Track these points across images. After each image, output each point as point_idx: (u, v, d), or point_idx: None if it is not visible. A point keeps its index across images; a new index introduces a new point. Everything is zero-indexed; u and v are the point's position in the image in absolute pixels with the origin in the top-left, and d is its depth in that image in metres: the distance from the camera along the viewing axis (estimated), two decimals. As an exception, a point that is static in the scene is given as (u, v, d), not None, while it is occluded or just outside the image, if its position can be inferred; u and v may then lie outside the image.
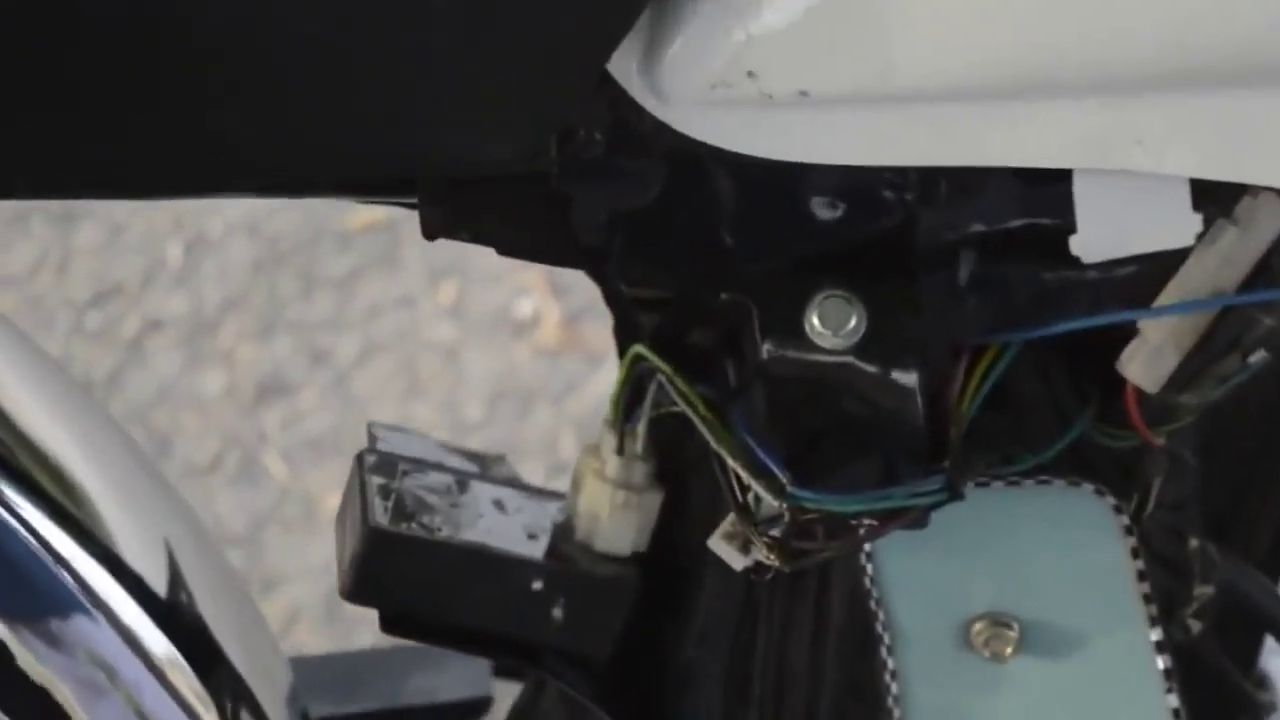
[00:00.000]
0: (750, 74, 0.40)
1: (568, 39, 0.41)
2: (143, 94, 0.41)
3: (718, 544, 0.48)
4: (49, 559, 0.46)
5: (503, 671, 0.66)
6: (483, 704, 0.70)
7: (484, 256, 1.56)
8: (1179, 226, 0.45)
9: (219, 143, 0.42)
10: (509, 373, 1.36)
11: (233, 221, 1.45)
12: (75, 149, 0.42)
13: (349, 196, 0.55)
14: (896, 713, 0.50)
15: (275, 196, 0.50)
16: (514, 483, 0.57)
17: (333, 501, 0.58)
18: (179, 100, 0.41)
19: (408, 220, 1.51)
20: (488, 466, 0.58)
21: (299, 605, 1.25)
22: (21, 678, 0.46)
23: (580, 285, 0.53)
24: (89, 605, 0.47)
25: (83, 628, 0.47)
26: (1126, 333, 0.47)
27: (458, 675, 0.69)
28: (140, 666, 0.49)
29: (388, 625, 0.53)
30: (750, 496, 0.47)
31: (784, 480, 0.44)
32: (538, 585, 0.51)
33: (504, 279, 1.40)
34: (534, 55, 0.41)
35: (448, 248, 1.50)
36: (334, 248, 1.43)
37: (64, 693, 0.46)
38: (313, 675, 0.69)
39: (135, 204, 1.41)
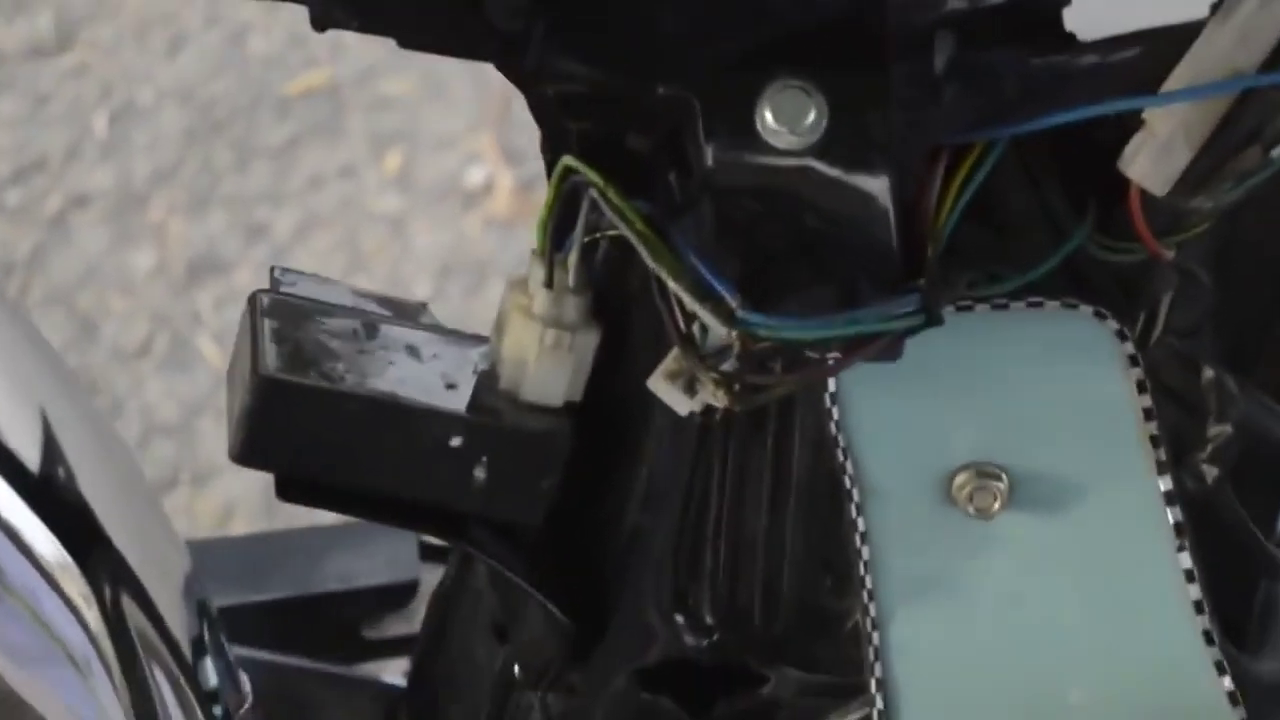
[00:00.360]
0: None
1: None
2: None
3: (659, 384, 0.44)
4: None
5: (430, 554, 0.61)
6: (407, 589, 0.65)
7: (433, 121, 1.52)
8: None
9: None
10: (459, 245, 1.33)
11: (164, 88, 1.41)
12: None
13: None
14: (869, 580, 0.46)
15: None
16: (432, 328, 0.51)
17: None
18: None
19: (351, 85, 1.52)
20: (405, 313, 0.52)
21: (234, 499, 1.22)
22: None
23: (536, 151, 0.48)
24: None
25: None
26: (1129, 126, 0.43)
27: (380, 557, 0.64)
28: (8, 547, 0.43)
29: (284, 490, 0.48)
30: (696, 326, 0.42)
31: (733, 303, 0.40)
32: (456, 441, 0.47)
33: (454, 145, 1.37)
34: None
35: (394, 114, 1.52)
36: (271, 115, 1.39)
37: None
38: (217, 560, 0.64)
39: (59, 71, 1.37)
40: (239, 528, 1.17)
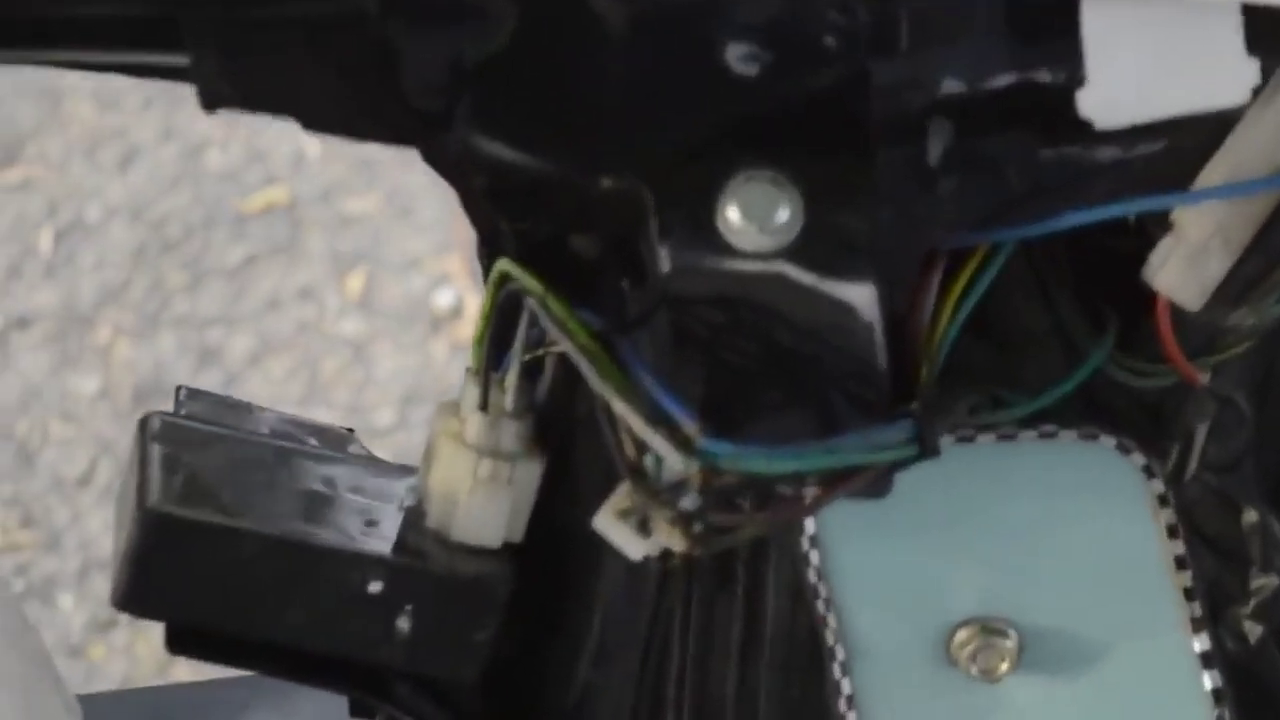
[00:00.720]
0: None
1: None
2: None
3: (607, 524, 0.38)
4: None
5: (363, 710, 0.56)
6: None
7: (398, 241, 1.50)
8: (1227, 78, 0.37)
9: None
10: (425, 371, 1.31)
11: (113, 205, 1.41)
12: None
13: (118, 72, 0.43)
14: None
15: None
16: (356, 458, 0.46)
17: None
18: None
19: (311, 202, 1.50)
20: (329, 442, 0.48)
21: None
22: None
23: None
24: None
25: None
26: (1155, 230, 0.39)
27: (307, 714, 0.58)
28: None
29: (176, 642, 0.43)
30: (649, 457, 0.37)
31: (693, 429, 0.35)
32: (376, 587, 0.42)
33: (421, 266, 1.38)
34: None
35: (357, 233, 1.51)
36: (227, 233, 1.40)
37: None
38: (123, 715, 0.58)
39: (2, 186, 1.38)
40: (181, 673, 1.11)
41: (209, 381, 1.29)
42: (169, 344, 1.34)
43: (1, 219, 1.41)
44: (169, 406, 0.50)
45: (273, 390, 1.30)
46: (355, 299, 1.36)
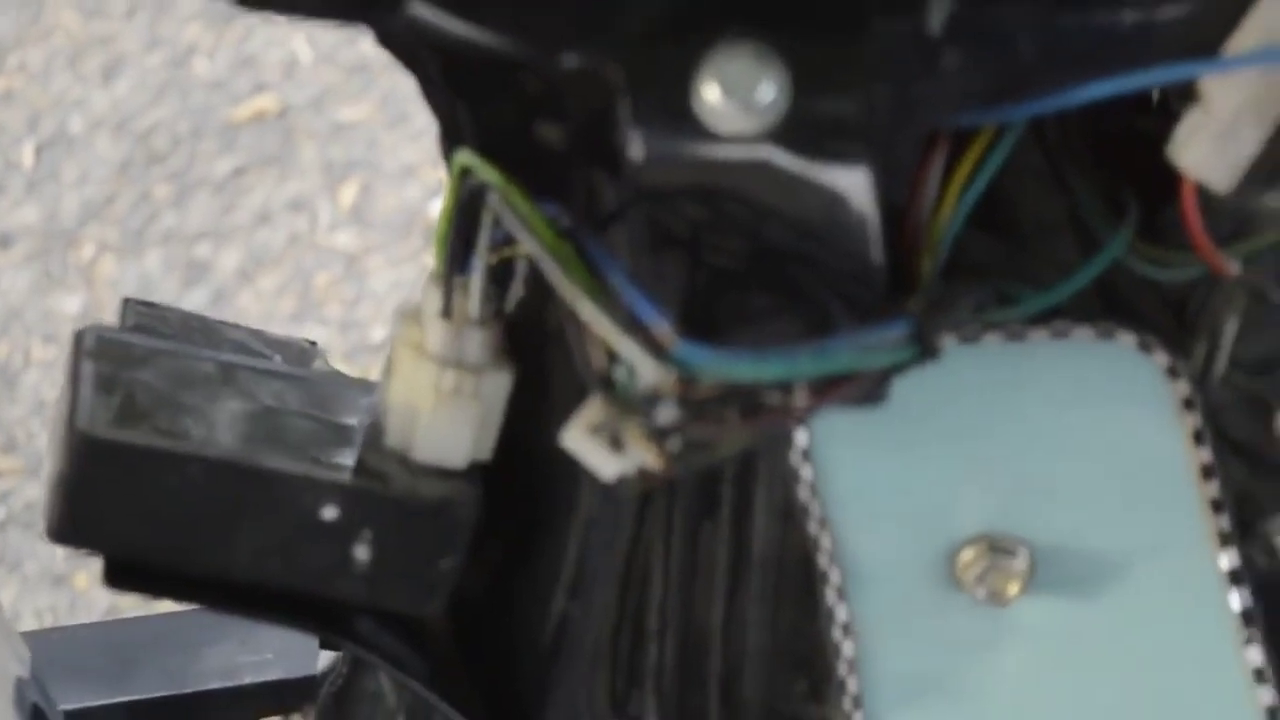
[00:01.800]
0: None
1: None
2: None
3: (577, 440, 0.36)
4: None
5: (325, 641, 0.55)
6: (305, 685, 0.58)
7: (392, 151, 1.48)
8: None
9: None
10: (420, 284, 1.26)
11: (97, 116, 1.40)
12: None
13: None
14: (852, 683, 0.39)
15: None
16: (313, 375, 0.44)
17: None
18: None
19: (303, 111, 1.50)
20: (288, 355, 0.45)
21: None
22: None
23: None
24: None
25: None
26: (1180, 105, 0.36)
27: (271, 648, 0.57)
28: None
29: (114, 575, 0.40)
30: (621, 368, 0.35)
31: (669, 334, 0.34)
32: (330, 513, 0.39)
33: (416, 175, 1.36)
34: None
35: (350, 143, 1.50)
36: (215, 144, 1.38)
37: None
38: (74, 652, 0.56)
39: None
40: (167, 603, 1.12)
41: (197, 299, 1.29)
42: (155, 260, 1.34)
43: (-18, 132, 1.43)
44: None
45: (263, 306, 1.30)
46: (348, 210, 1.35)
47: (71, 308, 1.32)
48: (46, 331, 1.31)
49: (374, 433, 0.40)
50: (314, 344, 0.47)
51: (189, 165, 1.36)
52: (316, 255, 1.33)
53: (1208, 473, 0.40)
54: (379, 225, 1.33)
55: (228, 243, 1.34)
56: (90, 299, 1.33)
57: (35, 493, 1.27)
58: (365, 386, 0.44)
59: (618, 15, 0.34)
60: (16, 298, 1.32)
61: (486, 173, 0.36)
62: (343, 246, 1.34)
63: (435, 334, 0.38)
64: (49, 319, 1.31)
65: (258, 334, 0.47)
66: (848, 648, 0.39)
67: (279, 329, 1.23)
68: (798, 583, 0.41)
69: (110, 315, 1.29)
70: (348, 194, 1.36)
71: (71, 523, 0.38)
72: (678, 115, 0.33)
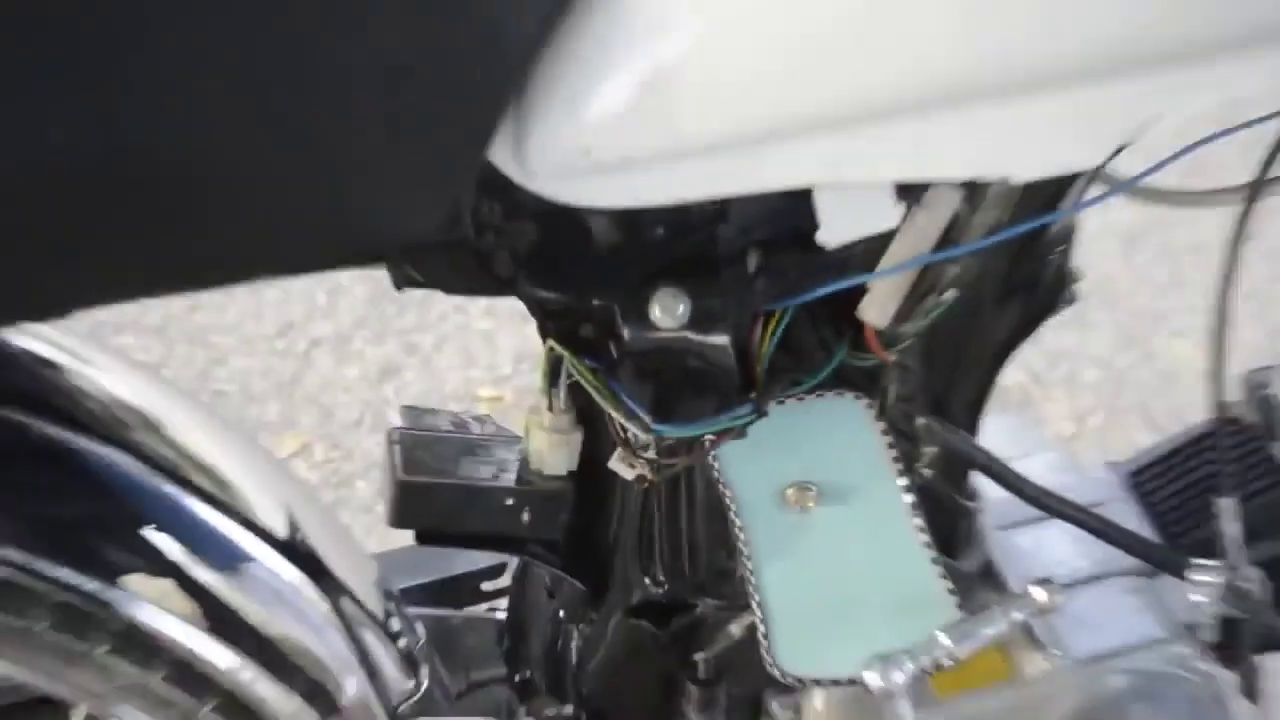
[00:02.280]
0: (586, 153, 0.52)
1: (450, 155, 0.52)
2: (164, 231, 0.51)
3: (615, 464, 0.71)
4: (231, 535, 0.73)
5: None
6: (498, 569, 0.97)
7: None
8: (887, 214, 0.60)
9: (223, 253, 0.53)
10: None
11: None
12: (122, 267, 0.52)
13: (336, 269, 0.66)
14: (746, 554, 0.73)
15: (275, 279, 0.60)
16: (495, 436, 0.80)
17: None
18: (188, 230, 0.51)
19: None
20: (484, 427, 0.82)
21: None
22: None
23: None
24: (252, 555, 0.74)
25: (258, 569, 0.74)
26: (863, 288, 0.65)
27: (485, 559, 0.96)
28: (285, 583, 0.75)
29: (422, 540, 0.77)
30: (631, 434, 0.67)
31: (648, 420, 0.65)
32: (510, 501, 0.75)
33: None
34: (430, 164, 0.51)
35: None
36: None
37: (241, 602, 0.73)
38: (395, 562, 0.93)
39: None
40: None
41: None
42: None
43: None
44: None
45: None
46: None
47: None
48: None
49: (524, 463, 0.75)
50: (488, 416, 0.84)
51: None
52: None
53: (891, 445, 0.70)
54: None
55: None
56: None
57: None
58: (513, 439, 0.79)
59: (615, 283, 0.62)
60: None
61: (563, 351, 0.67)
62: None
63: (546, 418, 0.72)
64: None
65: (462, 417, 0.82)
66: (743, 537, 0.71)
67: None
68: (720, 512, 0.72)
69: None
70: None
71: (399, 520, 0.75)
72: (642, 321, 0.62)
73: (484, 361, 1.77)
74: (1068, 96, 0.55)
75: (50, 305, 0.54)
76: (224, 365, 1.73)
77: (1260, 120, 0.65)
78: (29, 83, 0.44)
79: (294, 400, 1.68)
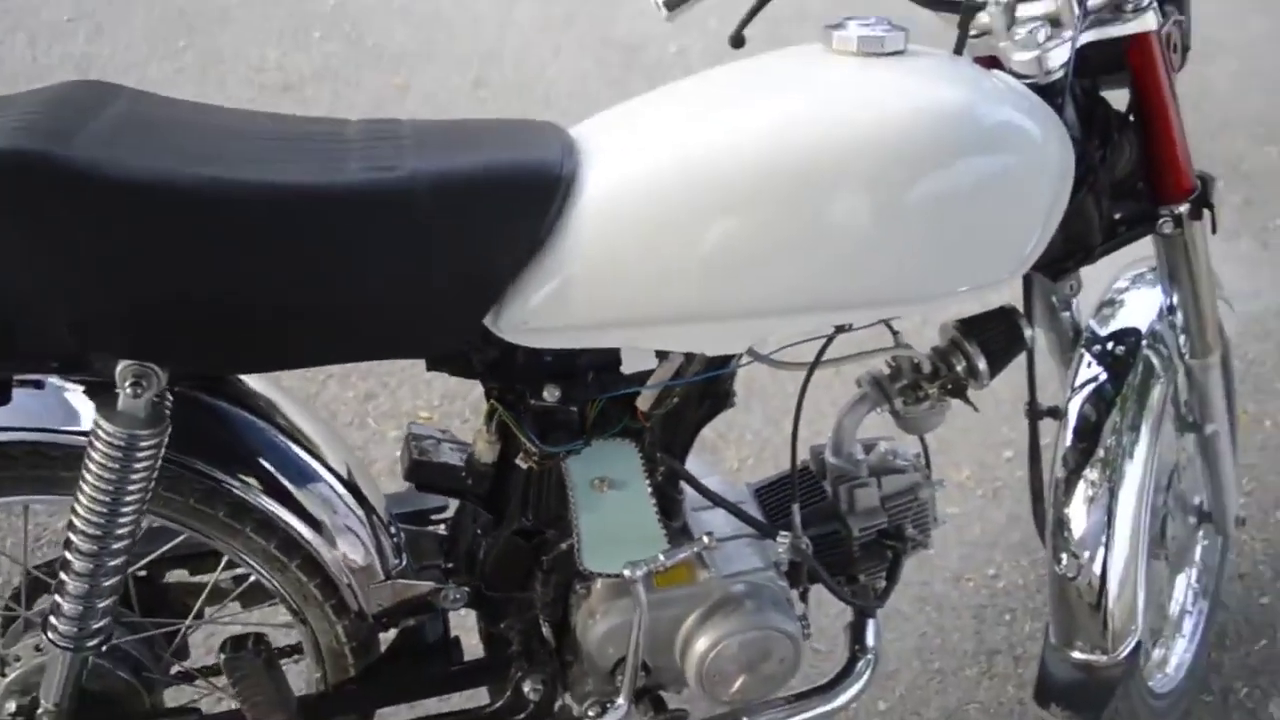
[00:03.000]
0: (525, 323, 1.27)
1: (460, 327, 1.31)
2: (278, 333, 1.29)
3: (518, 460, 1.52)
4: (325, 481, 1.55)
5: None
6: (443, 508, 1.80)
7: None
8: (650, 361, 1.43)
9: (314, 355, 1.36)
10: None
11: None
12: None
13: (401, 359, 1.52)
14: (574, 508, 1.51)
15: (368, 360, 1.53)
16: (455, 441, 1.63)
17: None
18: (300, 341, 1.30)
19: None
20: (441, 434, 1.65)
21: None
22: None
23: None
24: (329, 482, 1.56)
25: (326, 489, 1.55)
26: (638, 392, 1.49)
27: None
28: (340, 498, 1.56)
29: (419, 488, 1.59)
30: (526, 446, 1.48)
31: (536, 443, 1.47)
32: (463, 474, 1.58)
33: None
34: (451, 331, 1.32)
35: None
36: None
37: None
38: (394, 498, 1.73)
39: None
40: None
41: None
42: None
43: None
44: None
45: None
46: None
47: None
48: None
49: (470, 455, 1.58)
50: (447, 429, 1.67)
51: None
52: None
53: (643, 466, 1.52)
54: None
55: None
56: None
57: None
58: (465, 443, 1.64)
59: (532, 378, 1.48)
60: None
61: (497, 405, 1.48)
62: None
63: (484, 435, 1.54)
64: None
65: (436, 428, 1.66)
66: (572, 502, 1.55)
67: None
68: (563, 488, 1.53)
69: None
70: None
71: (408, 476, 1.59)
72: (538, 397, 1.46)
73: (424, 396, 2.75)
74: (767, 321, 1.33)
75: (260, 365, 1.37)
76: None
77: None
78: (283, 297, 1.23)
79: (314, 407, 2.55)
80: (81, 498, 1.33)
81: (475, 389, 1.50)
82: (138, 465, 1.32)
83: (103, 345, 1.22)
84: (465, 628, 1.74)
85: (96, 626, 1.42)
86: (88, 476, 1.32)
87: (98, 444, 1.31)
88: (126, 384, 1.27)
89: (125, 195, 1.11)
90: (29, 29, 4.62)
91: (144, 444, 1.32)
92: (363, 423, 2.82)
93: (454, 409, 2.83)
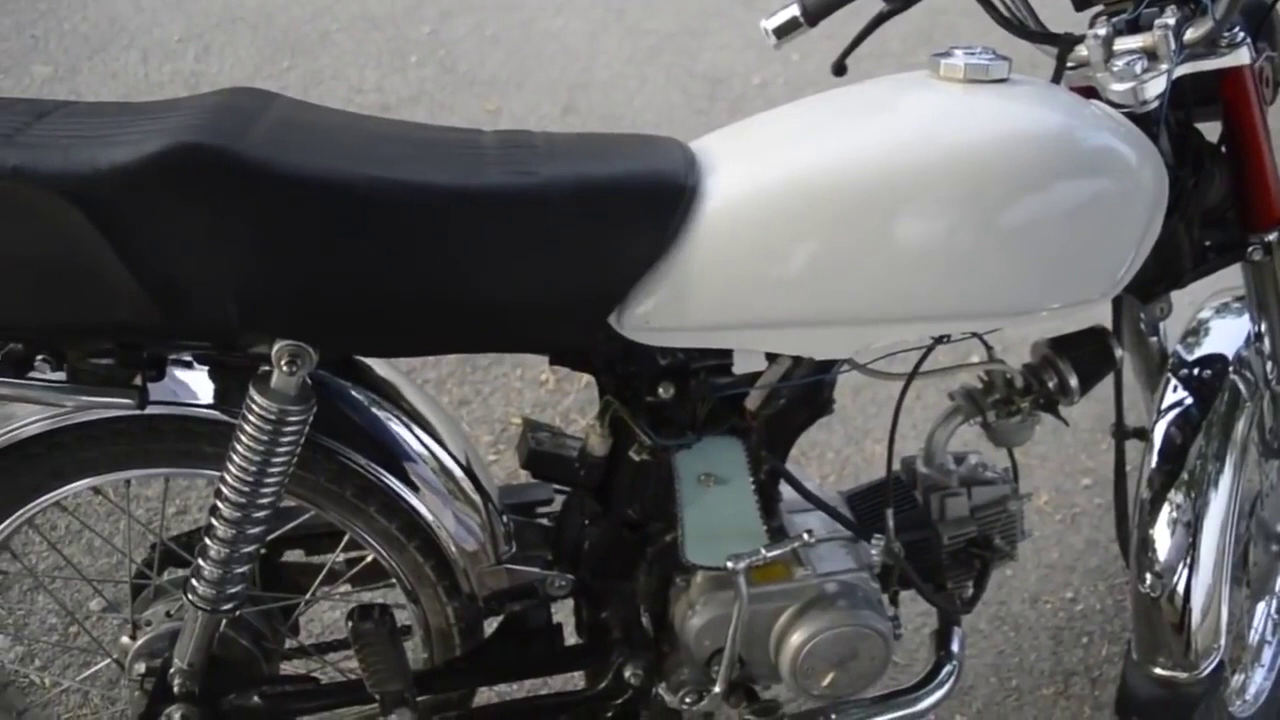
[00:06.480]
0: (647, 323, 1.36)
1: (587, 324, 1.39)
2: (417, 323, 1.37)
3: (631, 453, 1.61)
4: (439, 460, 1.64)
5: None
6: (549, 500, 1.89)
7: None
8: (760, 363, 1.52)
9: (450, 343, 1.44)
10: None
11: None
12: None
13: (530, 353, 1.59)
14: (679, 502, 1.59)
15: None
16: (564, 434, 1.72)
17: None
18: (441, 329, 1.38)
19: None
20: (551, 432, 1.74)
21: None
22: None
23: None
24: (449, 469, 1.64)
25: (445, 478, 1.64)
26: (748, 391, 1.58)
27: None
28: (459, 485, 1.65)
29: (535, 476, 1.67)
30: (640, 439, 1.57)
31: (651, 436, 1.56)
32: (576, 465, 1.65)
33: None
34: (577, 327, 1.40)
35: None
36: None
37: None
38: (506, 490, 1.81)
39: None
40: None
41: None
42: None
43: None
44: None
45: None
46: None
47: None
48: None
49: (582, 449, 1.66)
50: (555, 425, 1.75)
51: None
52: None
53: (748, 463, 1.59)
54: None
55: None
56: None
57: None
58: (577, 438, 1.72)
59: (650, 376, 1.60)
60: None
61: (613, 400, 1.57)
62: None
63: (597, 430, 1.62)
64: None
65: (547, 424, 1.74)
66: (678, 496, 1.63)
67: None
68: (671, 483, 1.61)
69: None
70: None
71: (525, 465, 1.68)
72: (653, 394, 1.57)
73: (515, 403, 2.86)
74: (871, 329, 1.40)
75: (401, 350, 1.46)
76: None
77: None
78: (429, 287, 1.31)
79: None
80: (231, 468, 1.43)
81: (564, 399, 1.59)
82: (284, 439, 1.42)
83: (263, 325, 1.32)
84: (559, 617, 1.83)
85: (232, 591, 1.51)
86: (238, 448, 1.42)
87: (250, 417, 1.41)
88: (282, 362, 1.36)
89: (292, 189, 1.20)
90: (142, 47, 4.79)
91: (292, 419, 1.41)
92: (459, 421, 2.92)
93: (544, 417, 2.90)
